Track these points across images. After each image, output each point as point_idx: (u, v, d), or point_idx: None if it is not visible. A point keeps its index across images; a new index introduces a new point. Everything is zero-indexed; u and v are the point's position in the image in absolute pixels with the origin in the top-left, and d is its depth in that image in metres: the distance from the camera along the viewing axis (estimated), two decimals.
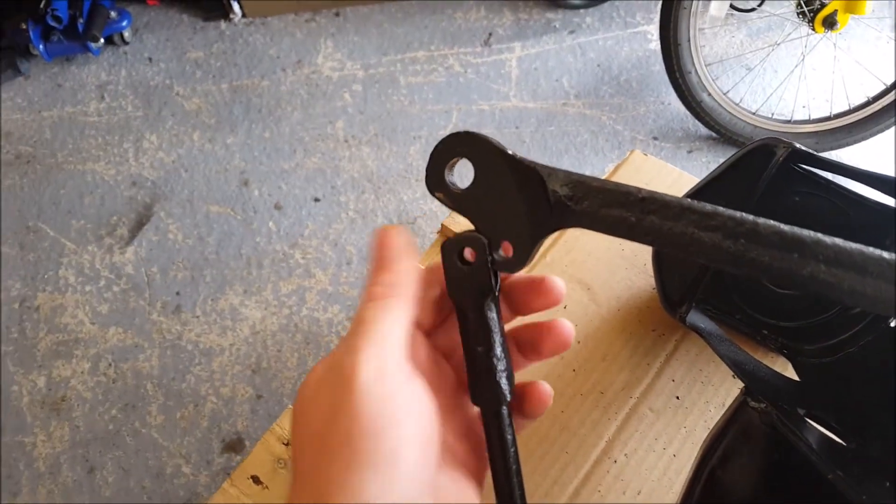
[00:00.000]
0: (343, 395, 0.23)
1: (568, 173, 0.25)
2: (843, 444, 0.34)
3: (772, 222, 0.22)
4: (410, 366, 0.25)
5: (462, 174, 0.27)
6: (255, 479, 0.45)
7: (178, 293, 1.43)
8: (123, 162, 1.66)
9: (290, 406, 0.57)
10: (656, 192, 0.24)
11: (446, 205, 0.27)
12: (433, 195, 0.28)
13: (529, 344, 0.30)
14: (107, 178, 1.64)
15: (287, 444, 0.51)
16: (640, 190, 0.24)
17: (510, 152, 0.26)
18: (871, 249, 0.20)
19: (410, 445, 0.23)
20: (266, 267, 1.45)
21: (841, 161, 0.42)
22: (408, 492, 0.23)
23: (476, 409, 0.30)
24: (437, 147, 0.27)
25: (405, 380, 0.25)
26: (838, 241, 0.21)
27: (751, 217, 0.22)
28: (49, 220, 1.57)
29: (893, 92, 1.37)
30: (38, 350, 1.38)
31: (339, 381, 0.23)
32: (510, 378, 0.28)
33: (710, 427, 0.35)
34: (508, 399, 0.27)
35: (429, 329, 0.30)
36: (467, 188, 0.27)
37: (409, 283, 0.27)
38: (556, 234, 0.56)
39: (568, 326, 0.30)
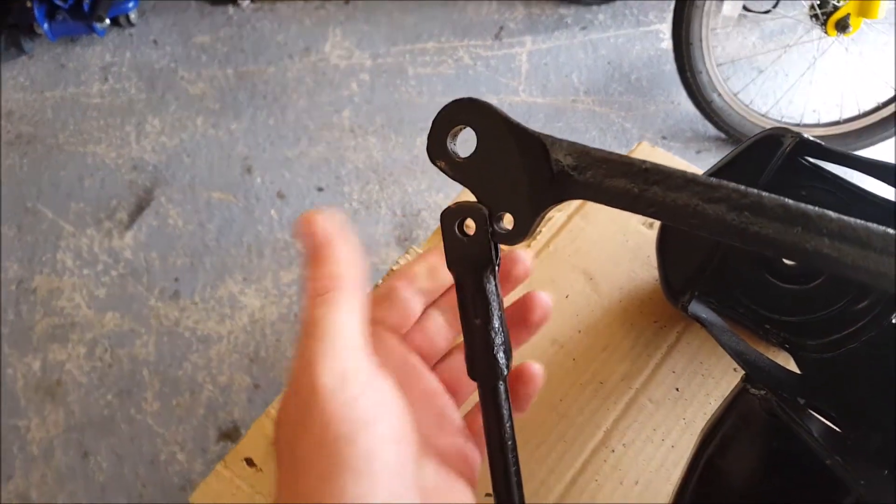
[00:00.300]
0: (310, 405, 0.22)
1: (571, 143, 0.25)
2: (842, 433, 0.34)
3: (776, 196, 0.21)
4: (372, 362, 0.25)
5: (464, 143, 0.27)
6: (249, 462, 0.45)
7: (176, 279, 1.41)
8: (125, 145, 1.64)
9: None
10: (660, 164, 0.23)
11: (447, 174, 0.27)
12: (434, 164, 0.27)
13: (516, 322, 0.30)
14: (108, 161, 1.62)
15: None
16: (643, 161, 0.24)
17: (514, 120, 0.26)
18: (875, 225, 0.20)
19: (385, 445, 0.23)
20: (267, 255, 1.43)
21: (850, 152, 0.41)
22: (393, 491, 0.22)
23: (462, 412, 0.30)
24: (439, 114, 0.27)
25: (369, 380, 0.24)
26: (843, 216, 0.21)
27: (755, 190, 0.22)
28: (48, 202, 1.55)
29: None
30: (33, 333, 1.36)
31: (304, 393, 0.23)
32: (508, 352, 0.27)
33: None
34: (506, 374, 0.27)
35: (404, 330, 0.30)
36: (469, 157, 0.27)
37: (353, 272, 0.25)
38: (560, 222, 0.57)
39: (543, 294, 0.30)
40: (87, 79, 1.78)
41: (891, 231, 0.20)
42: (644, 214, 0.24)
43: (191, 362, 1.30)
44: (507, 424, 0.27)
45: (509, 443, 0.27)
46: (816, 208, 0.21)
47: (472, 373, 0.28)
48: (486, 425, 0.27)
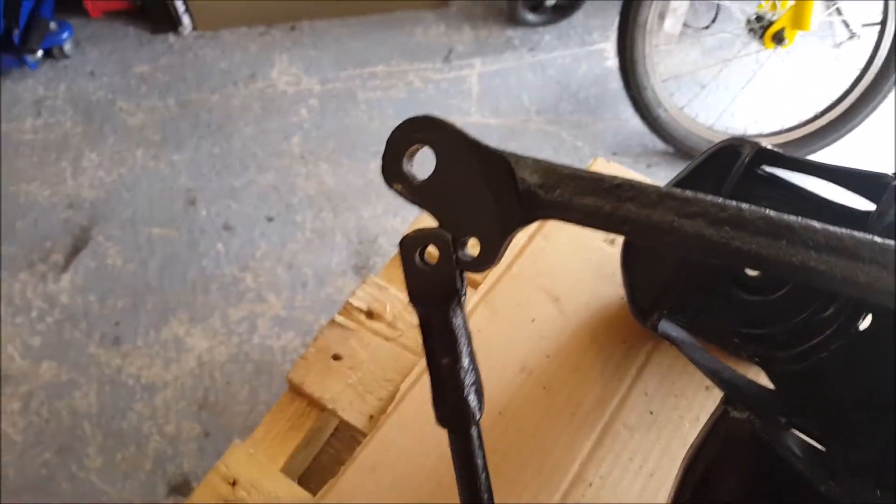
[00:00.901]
0: None
1: (537, 160, 0.24)
2: (827, 451, 0.32)
3: (757, 208, 0.20)
4: None
5: (422, 165, 0.25)
6: None
7: (117, 323, 1.32)
8: (60, 182, 1.55)
9: (237, 441, 0.50)
10: (632, 179, 0.22)
11: (405, 198, 0.25)
12: (390, 187, 0.25)
13: None
14: (41, 200, 1.52)
15: (233, 484, 0.45)
16: (614, 177, 0.23)
17: (474, 138, 0.24)
18: (861, 234, 0.19)
19: None
20: (214, 292, 1.36)
21: (808, 159, 0.41)
22: None
23: None
24: (394, 133, 0.25)
25: None
26: (828, 226, 0.20)
27: (734, 202, 0.21)
28: None
29: (839, 106, 1.43)
30: None
31: None
32: (479, 392, 0.25)
33: (687, 443, 0.34)
34: (478, 417, 0.25)
35: None
36: (428, 178, 0.25)
37: None
38: (521, 243, 0.56)
39: None
40: (18, 114, 1.69)
41: (878, 239, 0.19)
42: (617, 233, 0.22)
43: (135, 412, 1.21)
44: (483, 475, 0.25)
45: (485, 495, 0.25)
46: (800, 219, 0.20)
47: (441, 419, 0.26)
48: (458, 476, 0.25)
